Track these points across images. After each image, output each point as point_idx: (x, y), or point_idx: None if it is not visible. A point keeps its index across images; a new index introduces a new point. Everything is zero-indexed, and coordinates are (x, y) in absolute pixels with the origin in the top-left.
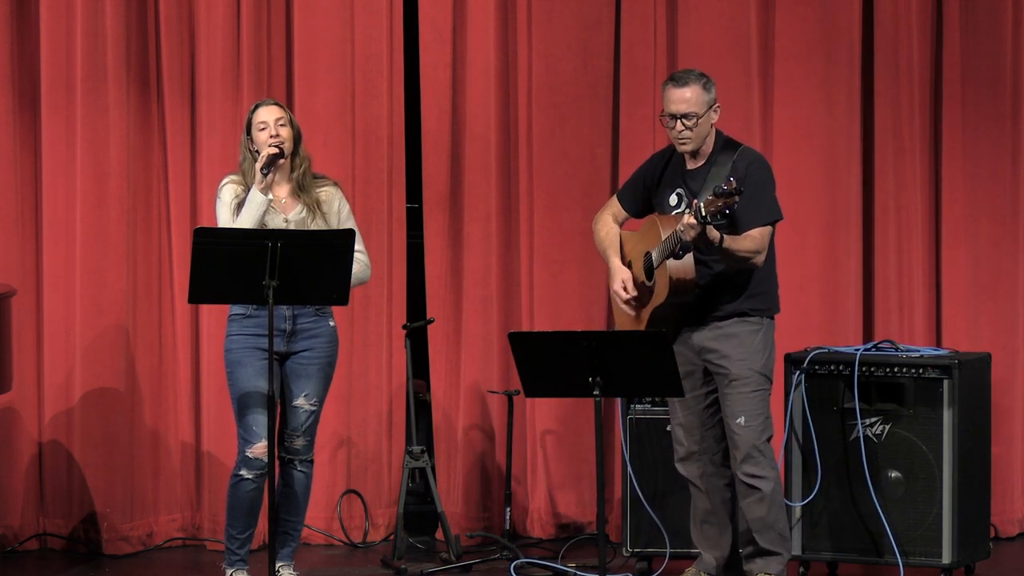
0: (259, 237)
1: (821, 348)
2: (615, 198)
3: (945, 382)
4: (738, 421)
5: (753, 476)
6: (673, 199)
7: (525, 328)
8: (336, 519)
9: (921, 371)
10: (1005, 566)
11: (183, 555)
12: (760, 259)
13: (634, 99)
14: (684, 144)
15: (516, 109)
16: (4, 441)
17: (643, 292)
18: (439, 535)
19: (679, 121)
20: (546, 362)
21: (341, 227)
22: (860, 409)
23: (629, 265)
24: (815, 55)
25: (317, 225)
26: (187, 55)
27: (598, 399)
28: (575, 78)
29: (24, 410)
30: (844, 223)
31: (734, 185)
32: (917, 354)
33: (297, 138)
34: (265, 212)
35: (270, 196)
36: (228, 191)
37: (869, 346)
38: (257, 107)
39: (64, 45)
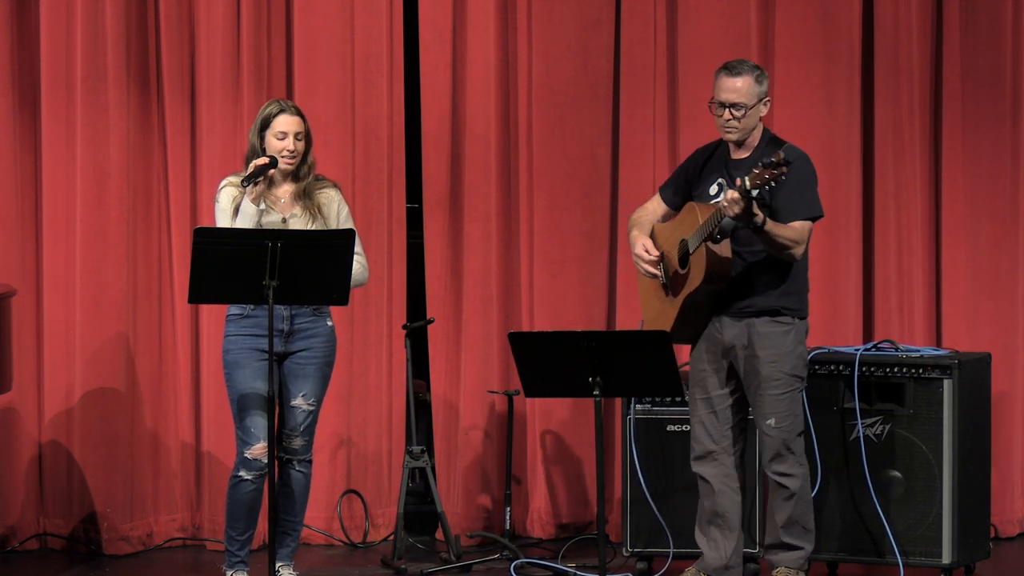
0: (259, 237)
1: (821, 348)
2: (657, 191)
3: (945, 382)
4: (768, 423)
5: (782, 475)
6: (713, 188)
7: (525, 328)
8: (336, 519)
9: (921, 371)
10: (1005, 566)
11: (183, 555)
12: (798, 251)
13: (634, 99)
14: (729, 133)
15: (516, 109)
16: (4, 441)
17: (676, 280)
18: (439, 535)
19: (728, 110)
20: (546, 362)
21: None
22: (860, 409)
23: (661, 256)
24: (815, 55)
25: (317, 227)
26: (187, 55)
27: (598, 399)
28: (575, 78)
29: (24, 410)
30: (844, 223)
31: (782, 156)
32: (917, 354)
33: (308, 145)
34: (260, 217)
35: (261, 207)
36: (225, 196)
37: (869, 346)
38: (280, 112)
39: (64, 45)
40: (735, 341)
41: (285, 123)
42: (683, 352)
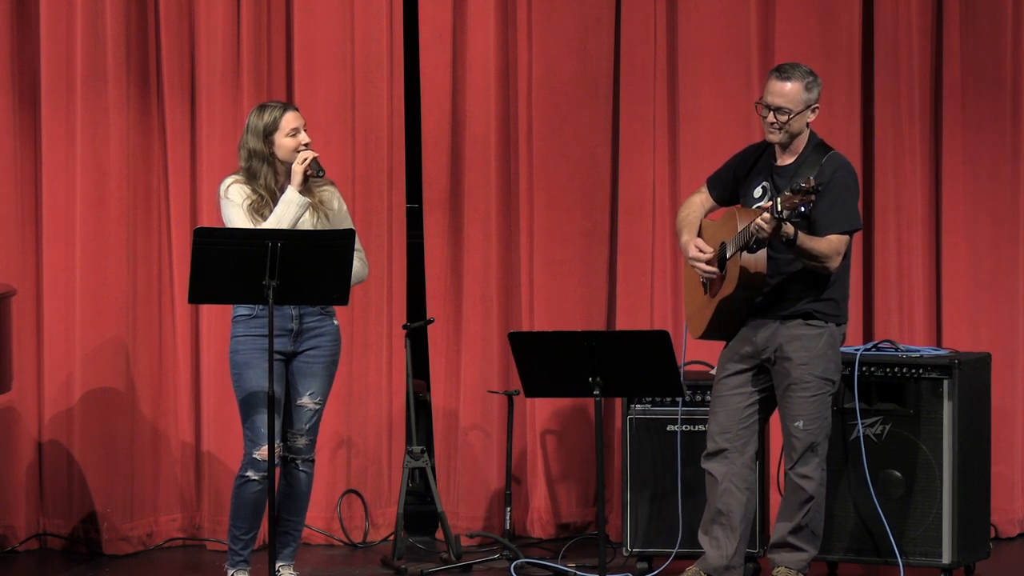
0: (259, 237)
1: None
2: (705, 183)
3: (945, 382)
4: (796, 424)
5: (803, 476)
6: (758, 191)
7: (525, 328)
8: (336, 519)
9: (921, 371)
10: (1005, 566)
11: (183, 555)
12: (832, 264)
13: (634, 99)
14: (772, 135)
15: (516, 109)
16: (4, 441)
17: (714, 281)
18: (439, 535)
19: (772, 112)
20: (546, 362)
21: (341, 226)
22: (860, 409)
23: None
24: (815, 55)
25: (321, 225)
26: (187, 55)
27: (598, 399)
28: (575, 78)
29: (24, 410)
30: None
31: (812, 183)
32: (917, 354)
33: None
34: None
35: (308, 199)
36: (237, 192)
37: (869, 346)
38: (285, 111)
39: (64, 45)
40: (768, 343)
41: (292, 119)
42: (686, 351)
